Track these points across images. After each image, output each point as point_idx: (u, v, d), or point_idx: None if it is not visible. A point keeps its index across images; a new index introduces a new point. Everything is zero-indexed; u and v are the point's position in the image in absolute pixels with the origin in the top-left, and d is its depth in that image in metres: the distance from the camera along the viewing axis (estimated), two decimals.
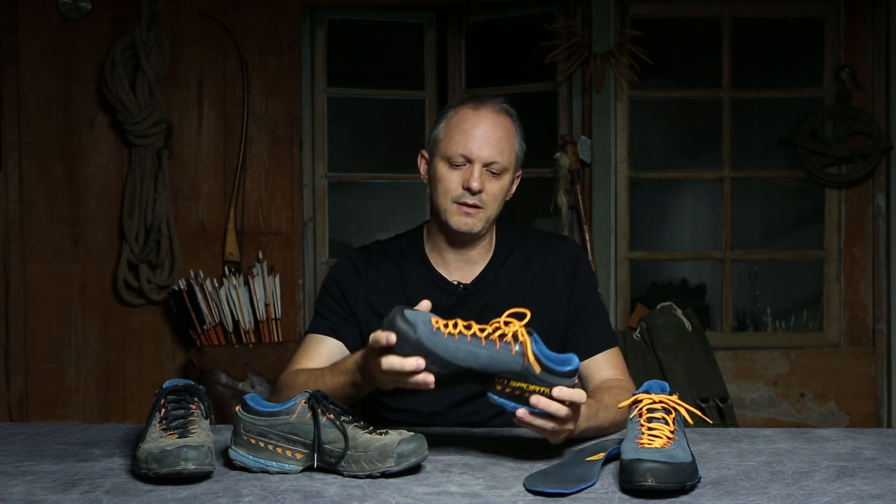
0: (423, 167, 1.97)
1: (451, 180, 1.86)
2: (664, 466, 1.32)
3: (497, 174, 1.86)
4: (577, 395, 1.50)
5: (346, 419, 1.48)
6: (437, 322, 1.49)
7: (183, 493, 1.36)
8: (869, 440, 1.69)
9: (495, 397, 1.51)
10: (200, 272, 3.63)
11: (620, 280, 3.92)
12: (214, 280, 3.61)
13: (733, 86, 3.95)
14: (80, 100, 3.67)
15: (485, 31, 4.05)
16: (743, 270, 4.05)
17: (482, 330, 1.49)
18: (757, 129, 4.08)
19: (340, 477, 1.45)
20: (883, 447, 1.64)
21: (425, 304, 1.57)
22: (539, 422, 1.51)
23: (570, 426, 1.55)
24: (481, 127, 1.86)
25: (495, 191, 1.87)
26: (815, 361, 3.88)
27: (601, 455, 1.51)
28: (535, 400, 1.48)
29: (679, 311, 3.64)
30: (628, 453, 1.37)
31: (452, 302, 1.92)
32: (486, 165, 1.85)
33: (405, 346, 1.47)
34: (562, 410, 1.49)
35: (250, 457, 1.49)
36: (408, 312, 1.48)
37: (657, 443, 1.39)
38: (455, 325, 1.49)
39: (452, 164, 1.86)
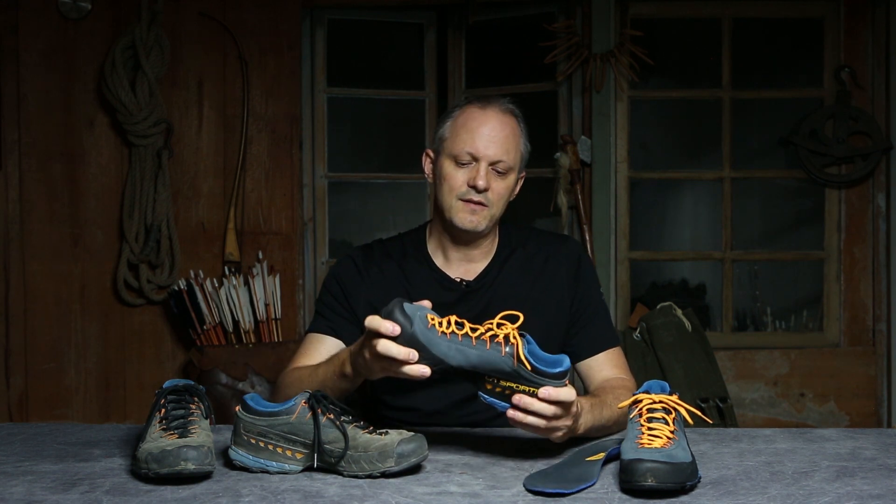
0: (427, 166, 1.98)
1: (457, 178, 1.87)
2: (664, 466, 1.32)
3: (502, 173, 1.88)
4: (564, 393, 1.50)
5: (346, 419, 1.48)
6: (432, 319, 1.51)
7: (183, 493, 1.36)
8: (869, 440, 1.69)
9: (486, 396, 1.53)
10: (200, 272, 3.63)
11: (620, 280, 3.92)
12: (214, 280, 3.61)
13: (733, 86, 3.95)
14: (80, 100, 3.67)
15: (485, 31, 4.04)
16: (743, 270, 4.05)
17: (474, 330, 1.52)
18: (757, 129, 4.08)
19: (340, 477, 1.45)
20: (883, 447, 1.64)
21: (425, 304, 1.57)
22: (530, 419, 1.51)
23: (564, 423, 1.54)
24: (488, 126, 1.87)
25: (500, 189, 1.88)
26: (815, 361, 3.88)
27: (601, 455, 1.52)
28: (518, 399, 1.50)
29: (679, 311, 3.64)
30: (628, 453, 1.37)
31: (455, 299, 1.93)
32: (492, 164, 1.86)
33: (399, 339, 1.49)
34: (547, 410, 1.50)
35: (250, 457, 1.49)
36: (406, 306, 1.51)
37: (657, 443, 1.39)
38: (449, 324, 1.51)
39: (458, 163, 1.87)
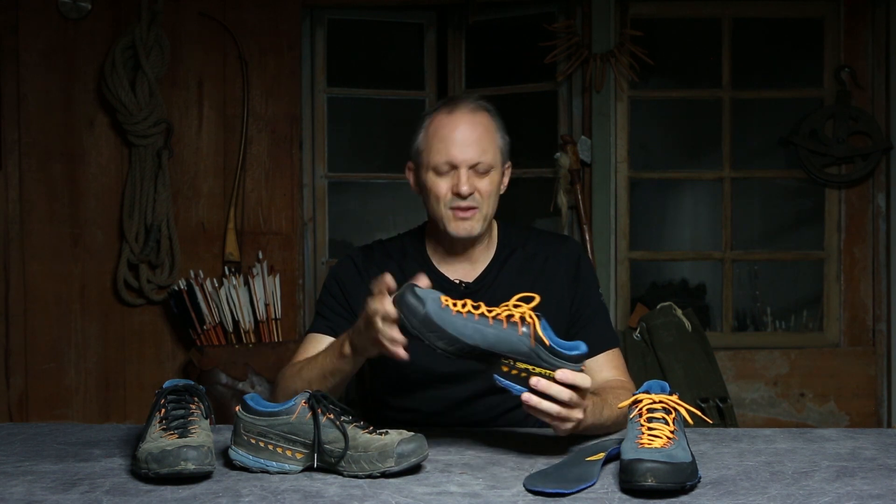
0: (411, 178, 1.97)
1: (441, 187, 1.86)
2: (664, 466, 1.32)
3: (484, 173, 1.86)
4: (581, 378, 1.51)
5: (346, 419, 1.48)
6: (446, 300, 1.50)
7: (183, 493, 1.36)
8: (869, 440, 1.69)
9: (501, 379, 1.52)
10: (200, 272, 3.63)
11: (620, 280, 3.92)
12: (214, 280, 3.61)
13: (733, 86, 3.95)
14: (80, 100, 3.67)
15: (485, 31, 4.04)
16: (743, 270, 4.05)
17: (491, 310, 1.51)
18: (757, 129, 4.08)
19: (340, 477, 1.45)
20: (883, 447, 1.64)
21: (424, 282, 1.57)
22: (546, 405, 1.51)
23: (577, 413, 1.54)
24: (459, 130, 1.85)
25: (486, 188, 1.87)
26: (815, 361, 3.87)
27: (601, 455, 1.52)
28: (535, 381, 1.50)
29: (679, 311, 3.64)
30: (628, 453, 1.37)
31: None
32: (472, 167, 1.85)
33: (413, 320, 1.49)
34: (564, 393, 1.50)
35: (250, 457, 1.49)
36: (418, 289, 1.50)
37: (657, 443, 1.39)
38: (464, 305, 1.50)
39: (439, 173, 1.86)
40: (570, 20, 3.82)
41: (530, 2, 3.93)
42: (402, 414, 1.96)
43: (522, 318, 1.49)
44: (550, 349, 1.49)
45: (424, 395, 1.92)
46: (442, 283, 1.94)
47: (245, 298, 3.60)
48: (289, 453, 1.48)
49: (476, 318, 1.49)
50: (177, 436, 1.44)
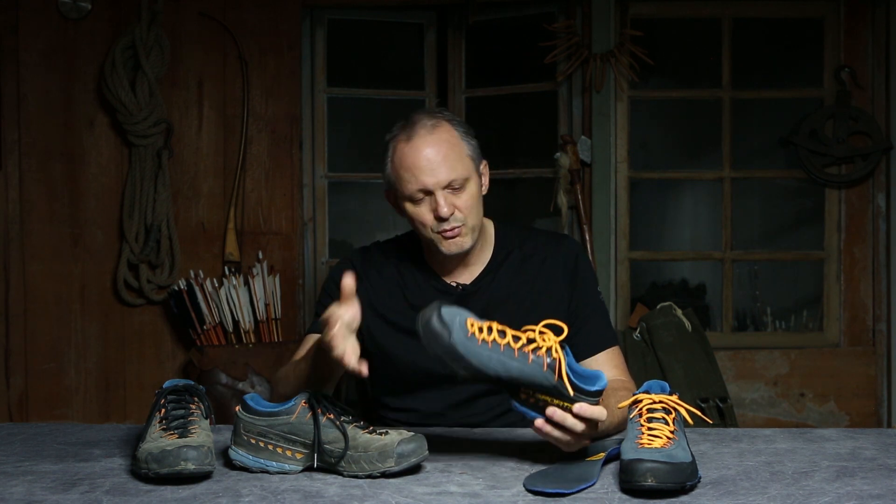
0: (392, 205, 1.95)
1: (422, 214, 1.84)
2: (664, 466, 1.32)
3: (460, 188, 1.83)
4: (598, 412, 1.48)
5: (346, 419, 1.48)
6: (472, 325, 1.46)
7: (183, 493, 1.36)
8: (869, 440, 1.69)
9: (518, 405, 1.49)
10: (200, 272, 3.62)
11: (620, 280, 3.92)
12: (214, 280, 3.61)
13: (733, 86, 3.94)
14: (80, 100, 3.67)
15: (485, 31, 4.04)
16: (743, 270, 4.05)
17: (516, 339, 1.46)
18: (757, 129, 4.08)
19: (340, 477, 1.45)
20: (883, 447, 1.64)
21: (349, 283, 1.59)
22: (557, 434, 1.49)
23: (585, 441, 1.54)
24: (422, 156, 1.81)
25: (466, 202, 1.84)
26: (815, 361, 3.87)
27: (601, 455, 1.52)
28: (551, 413, 1.46)
29: (679, 311, 3.64)
30: (628, 453, 1.37)
31: (451, 303, 1.92)
32: (446, 187, 1.81)
33: (436, 347, 1.45)
34: (578, 426, 1.48)
35: (250, 457, 1.49)
36: (445, 312, 1.45)
37: (657, 443, 1.39)
38: (490, 331, 1.46)
39: (415, 201, 1.84)
40: (570, 20, 3.82)
41: (530, 2, 3.93)
42: (401, 414, 1.96)
43: (548, 351, 1.45)
44: (574, 386, 1.46)
45: (424, 395, 1.92)
46: (438, 286, 1.94)
47: (245, 298, 3.60)
48: (289, 453, 1.48)
49: (502, 348, 1.44)
50: (177, 436, 1.44)
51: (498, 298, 1.93)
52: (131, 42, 3.55)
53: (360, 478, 1.44)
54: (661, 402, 1.48)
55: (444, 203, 1.81)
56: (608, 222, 3.84)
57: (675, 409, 1.48)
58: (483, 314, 1.89)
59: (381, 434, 1.46)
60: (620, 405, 1.58)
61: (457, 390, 1.88)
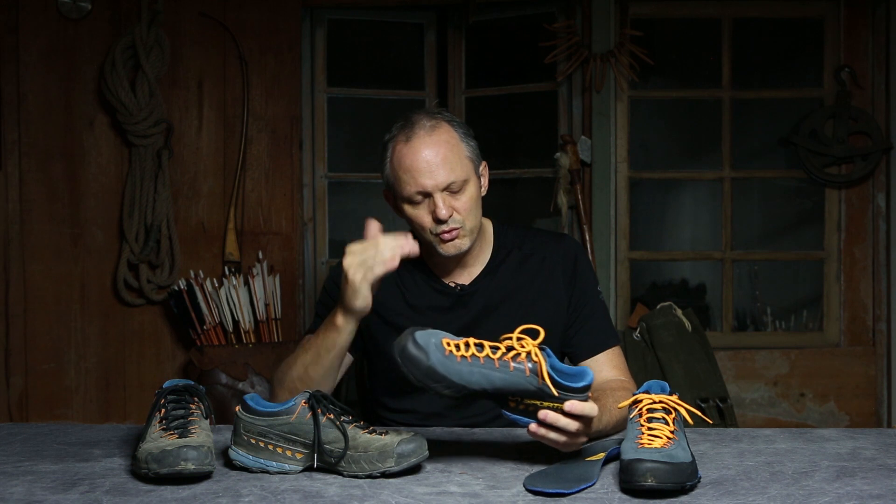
0: (391, 205, 1.95)
1: (421, 216, 1.84)
2: (664, 466, 1.32)
3: (459, 190, 1.83)
4: (589, 408, 1.49)
5: (346, 419, 1.48)
6: (448, 344, 1.46)
7: (183, 493, 1.36)
8: (869, 440, 1.69)
9: (509, 414, 1.50)
10: (200, 272, 3.62)
11: (620, 280, 3.92)
12: (214, 280, 3.61)
13: (733, 86, 3.95)
14: (80, 100, 3.67)
15: (485, 31, 4.04)
16: (743, 270, 4.05)
17: (495, 350, 1.47)
18: (757, 129, 4.08)
19: (340, 477, 1.45)
20: (883, 447, 1.64)
21: (375, 227, 1.69)
22: (553, 435, 1.49)
23: (582, 439, 1.54)
24: (421, 157, 1.80)
25: (465, 204, 1.83)
26: (815, 361, 3.88)
27: (601, 455, 1.52)
28: (543, 415, 1.46)
29: (679, 311, 3.64)
30: (628, 453, 1.37)
31: (450, 303, 1.92)
32: (445, 188, 1.81)
33: (416, 373, 1.45)
34: (572, 425, 1.48)
35: (250, 457, 1.49)
36: (419, 336, 1.46)
37: (657, 443, 1.39)
38: (467, 347, 1.46)
39: (414, 203, 1.84)
40: (570, 20, 3.82)
41: (530, 2, 3.93)
42: (401, 414, 1.96)
43: (528, 356, 1.46)
44: (559, 385, 1.46)
45: (423, 396, 1.91)
46: (436, 287, 1.94)
47: (245, 298, 3.60)
48: (289, 453, 1.48)
49: (481, 361, 1.45)
50: (177, 436, 1.44)
51: (497, 299, 1.93)
52: (131, 42, 3.55)
53: (360, 478, 1.44)
54: (661, 402, 1.48)
55: (442, 205, 1.80)
56: (608, 222, 3.84)
57: (675, 409, 1.48)
58: (482, 314, 1.89)
59: (381, 434, 1.46)
60: (620, 405, 1.58)
61: None
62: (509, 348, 1.47)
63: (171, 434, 1.45)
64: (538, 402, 1.47)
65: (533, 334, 1.48)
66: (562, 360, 2.00)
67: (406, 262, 1.97)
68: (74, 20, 3.65)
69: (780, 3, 3.94)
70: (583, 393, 1.48)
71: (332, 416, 1.47)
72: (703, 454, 1.59)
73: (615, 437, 1.71)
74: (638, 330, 3.68)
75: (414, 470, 1.47)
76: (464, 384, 1.45)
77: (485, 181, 1.92)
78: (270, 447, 1.48)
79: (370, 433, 1.46)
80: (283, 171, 3.79)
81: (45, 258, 3.67)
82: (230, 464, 1.51)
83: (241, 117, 3.73)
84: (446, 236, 1.83)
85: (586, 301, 1.96)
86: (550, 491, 1.35)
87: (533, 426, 1.49)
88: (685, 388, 3.46)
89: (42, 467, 1.52)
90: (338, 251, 3.98)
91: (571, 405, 1.46)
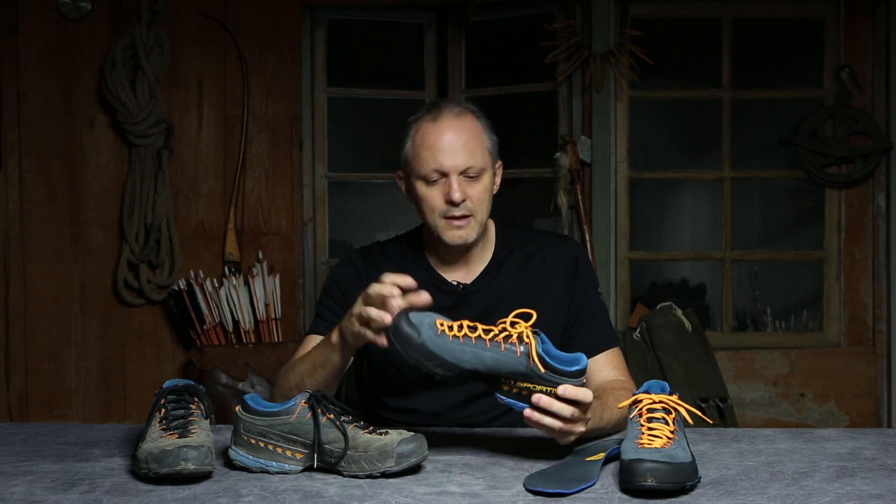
0: (403, 186, 1.95)
1: (433, 197, 1.85)
2: (664, 466, 1.32)
3: (475, 177, 1.84)
4: (583, 393, 1.50)
5: (346, 419, 1.48)
6: (441, 325, 1.48)
7: (183, 493, 1.36)
8: (869, 440, 1.69)
9: (503, 398, 1.51)
10: (200, 272, 3.63)
11: (620, 280, 3.92)
12: (214, 280, 3.61)
13: (733, 86, 3.95)
14: (80, 100, 3.68)
15: (485, 31, 4.04)
16: (743, 270, 4.05)
17: (487, 331, 1.49)
18: (757, 129, 4.08)
19: (340, 477, 1.45)
20: (883, 447, 1.64)
21: (425, 297, 1.57)
22: (547, 420, 1.50)
23: (579, 427, 1.54)
24: (445, 137, 1.82)
25: (479, 194, 1.85)
26: (815, 361, 3.88)
27: (601, 455, 1.51)
28: (537, 399, 1.48)
29: (679, 311, 3.64)
30: (628, 453, 1.37)
31: (452, 302, 1.92)
32: (462, 173, 1.82)
33: (409, 350, 1.47)
34: (566, 410, 1.49)
35: (250, 457, 1.49)
36: (412, 315, 1.48)
37: (657, 443, 1.39)
38: (460, 328, 1.48)
39: (430, 182, 1.84)
40: (570, 20, 3.82)
41: (530, 2, 3.93)
42: (401, 414, 1.96)
43: (520, 338, 1.47)
44: (550, 367, 1.47)
45: (424, 395, 1.92)
46: (439, 285, 1.94)
47: (245, 298, 3.60)
48: (289, 453, 1.48)
49: (473, 341, 1.47)
50: (177, 436, 1.44)
51: (498, 298, 1.93)
52: (131, 42, 3.56)
53: (360, 478, 1.44)
54: (661, 402, 1.48)
55: (457, 187, 1.82)
56: (608, 222, 3.84)
57: (675, 409, 1.48)
58: (484, 313, 1.89)
59: (381, 434, 1.46)
60: (620, 405, 1.58)
61: (456, 390, 1.88)
62: (502, 330, 1.49)
63: (171, 434, 1.45)
64: (531, 386, 1.48)
65: (525, 318, 1.49)
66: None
67: (408, 261, 1.98)
68: (74, 20, 3.65)
69: (780, 3, 3.94)
70: (576, 378, 1.49)
71: (332, 416, 1.47)
72: (703, 454, 1.59)
73: (615, 437, 1.71)
74: (638, 330, 3.68)
75: (414, 470, 1.47)
76: (455, 362, 1.47)
77: (498, 180, 1.94)
78: (270, 447, 1.48)
79: (370, 433, 1.46)
80: (283, 171, 3.80)
81: (45, 258, 3.67)
82: (230, 464, 1.51)
83: (241, 117, 3.73)
84: (455, 222, 1.84)
85: (587, 302, 1.96)
86: (550, 491, 1.35)
87: (527, 411, 1.50)
88: (685, 388, 3.46)
89: (42, 467, 1.52)
90: (338, 251, 3.98)
91: (565, 389, 1.47)
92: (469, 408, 1.91)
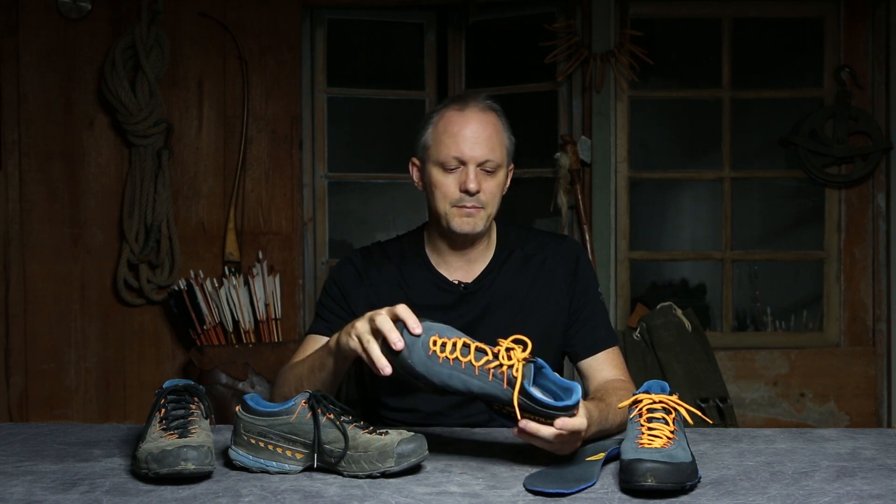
0: (415, 174, 1.96)
1: (448, 185, 1.86)
2: (664, 466, 1.32)
3: (491, 172, 1.86)
4: (577, 423, 1.47)
5: (346, 419, 1.48)
6: (434, 344, 1.46)
7: (183, 493, 1.36)
8: (869, 440, 1.69)
9: (495, 415, 1.51)
10: (200, 272, 3.63)
11: (620, 280, 3.92)
12: (214, 280, 3.61)
13: (733, 86, 3.95)
14: (80, 100, 3.68)
15: (485, 31, 4.04)
16: (743, 270, 4.05)
17: (480, 355, 1.45)
18: (757, 129, 4.08)
19: (340, 477, 1.45)
20: (883, 447, 1.64)
21: (412, 323, 1.50)
22: (536, 442, 1.49)
23: (571, 446, 1.53)
24: (470, 127, 1.85)
25: (492, 188, 1.87)
26: (815, 361, 3.88)
27: (601, 455, 1.51)
28: (523, 425, 1.45)
29: (679, 311, 3.64)
30: (628, 453, 1.36)
31: (452, 301, 1.92)
32: (480, 165, 1.85)
33: (397, 367, 1.47)
34: (552, 437, 1.46)
35: (250, 457, 1.49)
36: (406, 335, 1.47)
37: (657, 443, 1.39)
38: (453, 348, 1.46)
39: (446, 169, 1.86)
40: (570, 20, 3.82)
41: (530, 2, 3.93)
42: (401, 414, 1.96)
43: (510, 370, 1.43)
44: (536, 403, 1.44)
45: (424, 395, 1.92)
46: (440, 284, 1.94)
47: (245, 298, 3.60)
48: (289, 453, 1.48)
49: (462, 366, 1.45)
50: (177, 436, 1.44)
51: (499, 298, 1.93)
52: (131, 42, 3.56)
53: (360, 478, 1.43)
54: (661, 402, 1.48)
55: (473, 177, 1.84)
56: (608, 222, 3.84)
57: (675, 409, 1.48)
58: (484, 313, 1.89)
59: (381, 434, 1.46)
60: (620, 405, 1.58)
61: None
62: (496, 355, 1.46)
63: (171, 434, 1.45)
64: (518, 413, 1.46)
65: (522, 344, 1.46)
66: (562, 360, 2.01)
67: (409, 260, 1.98)
68: (74, 20, 3.65)
69: (780, 3, 3.94)
70: (566, 412, 1.45)
71: (332, 416, 1.47)
72: (703, 454, 1.59)
73: (615, 437, 1.71)
74: (638, 330, 3.68)
75: (414, 470, 1.46)
76: (443, 385, 1.46)
77: (508, 181, 1.95)
78: (270, 447, 1.48)
79: (370, 433, 1.46)
80: (283, 171, 3.80)
81: (45, 258, 3.67)
82: (230, 464, 1.51)
83: (241, 117, 3.73)
84: (466, 210, 1.85)
85: (587, 302, 1.97)
86: (550, 491, 1.35)
87: (515, 430, 1.48)
88: (685, 388, 3.46)
89: (42, 467, 1.52)
90: (338, 251, 3.98)
91: (562, 423, 1.44)
92: (469, 408, 1.91)
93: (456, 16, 4.03)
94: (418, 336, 1.47)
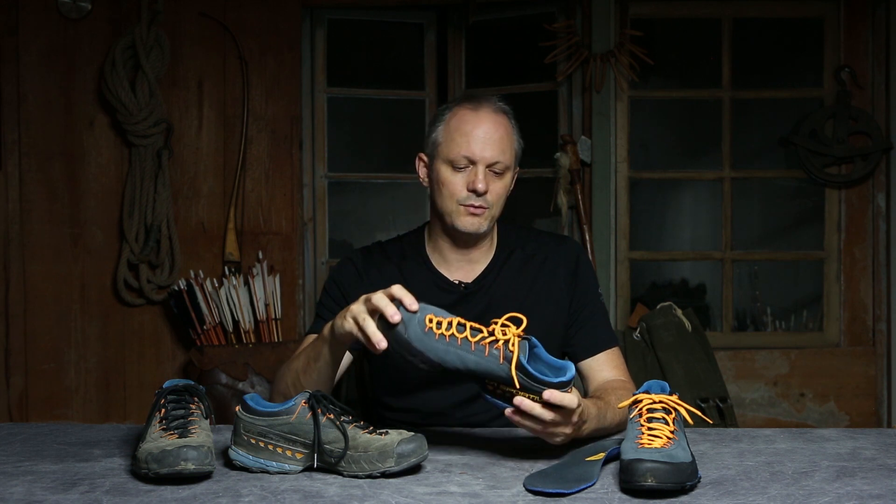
0: (422, 171, 1.96)
1: (456, 183, 1.86)
2: (664, 466, 1.32)
3: (500, 174, 1.87)
4: (568, 399, 1.48)
5: (346, 419, 1.48)
6: (430, 321, 1.48)
7: (183, 493, 1.36)
8: (869, 440, 1.69)
9: (488, 396, 1.52)
10: (200, 272, 3.62)
11: (620, 280, 3.92)
12: (214, 280, 3.61)
13: (733, 86, 3.95)
14: (80, 100, 3.68)
15: (485, 31, 4.04)
16: (743, 270, 4.05)
17: (475, 332, 1.48)
18: (757, 129, 4.08)
19: (340, 477, 1.45)
20: (883, 447, 1.64)
21: (408, 300, 1.52)
22: (528, 423, 1.50)
23: (563, 429, 1.53)
24: (482, 128, 1.85)
25: (499, 190, 1.88)
26: (815, 361, 3.88)
27: (601, 455, 1.51)
28: (518, 402, 1.47)
29: (679, 311, 3.64)
30: (628, 453, 1.37)
31: (453, 301, 1.93)
32: (490, 166, 1.85)
33: (394, 343, 1.48)
34: (547, 416, 1.48)
35: (250, 457, 1.49)
36: (402, 311, 1.49)
37: (657, 443, 1.39)
38: (448, 326, 1.48)
39: (455, 167, 1.86)
40: (570, 20, 3.82)
41: (530, 2, 3.93)
42: (401, 414, 1.96)
43: (506, 344, 1.46)
44: (531, 377, 1.46)
45: (424, 395, 1.92)
46: (441, 284, 1.94)
47: (245, 298, 3.60)
48: (289, 453, 1.48)
49: (458, 342, 1.47)
50: (177, 436, 1.44)
51: (499, 298, 1.93)
52: (131, 42, 3.56)
53: (360, 478, 1.43)
54: (661, 402, 1.48)
55: (482, 178, 1.84)
56: (608, 222, 3.84)
57: (675, 409, 1.48)
58: (485, 313, 1.90)
59: (381, 434, 1.46)
60: (620, 405, 1.58)
61: (457, 390, 1.89)
62: (491, 332, 1.48)
63: (171, 434, 1.45)
64: (513, 390, 1.48)
65: (517, 322, 1.49)
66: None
67: (410, 260, 1.98)
68: (74, 20, 3.65)
69: (780, 3, 3.94)
70: (560, 388, 1.48)
71: (332, 416, 1.47)
72: (703, 454, 1.59)
73: (615, 437, 1.71)
74: (638, 330, 3.68)
75: (414, 470, 1.46)
76: (439, 362, 1.47)
77: (513, 183, 1.95)
78: (270, 447, 1.48)
79: (370, 433, 1.46)
80: (283, 171, 3.80)
81: (45, 258, 3.67)
82: (230, 464, 1.51)
83: (241, 117, 3.73)
84: (472, 210, 1.86)
85: (587, 302, 1.97)
86: (550, 491, 1.35)
87: (508, 411, 1.50)
88: (685, 388, 3.46)
89: (42, 467, 1.52)
90: (338, 251, 3.98)
91: (550, 394, 1.46)
92: (469, 407, 1.91)
93: (456, 16, 4.04)
94: (415, 312, 1.48)
